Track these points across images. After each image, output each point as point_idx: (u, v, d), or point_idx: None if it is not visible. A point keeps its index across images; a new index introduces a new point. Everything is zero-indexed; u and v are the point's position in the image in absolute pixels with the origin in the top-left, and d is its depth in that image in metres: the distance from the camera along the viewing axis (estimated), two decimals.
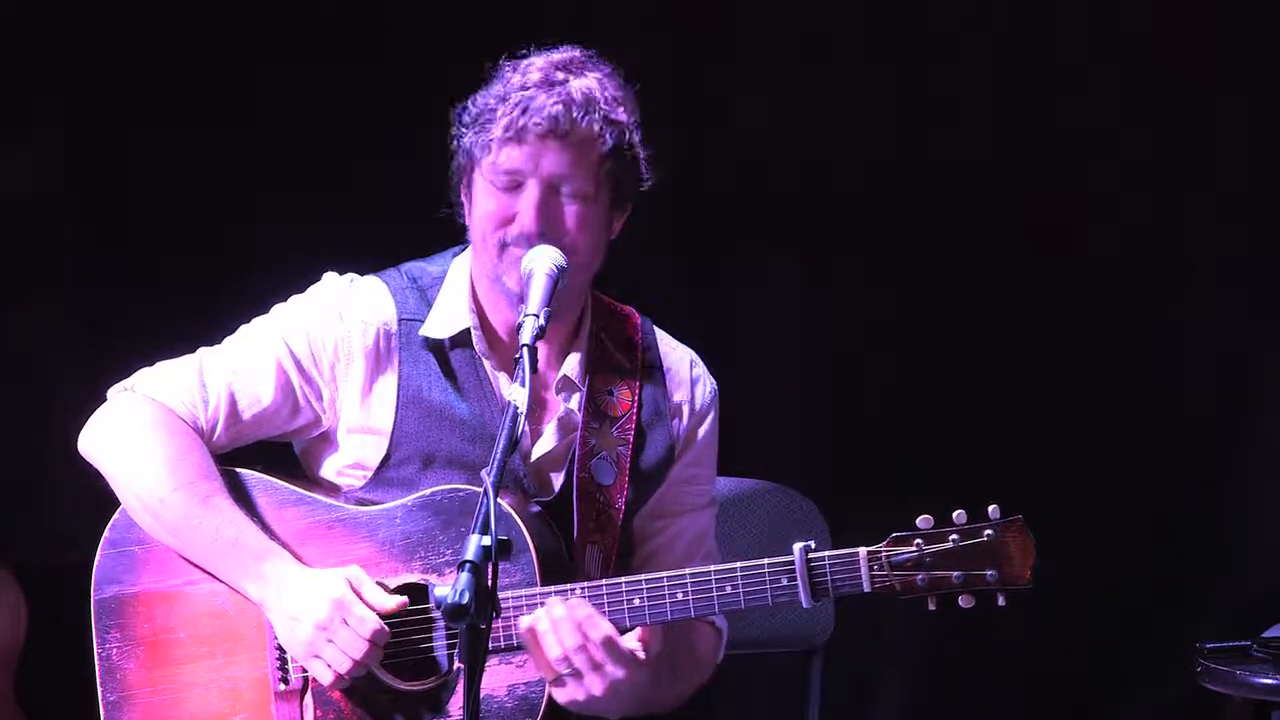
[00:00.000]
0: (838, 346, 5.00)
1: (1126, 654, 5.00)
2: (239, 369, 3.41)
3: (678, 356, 3.55)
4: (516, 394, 3.04)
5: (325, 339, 3.41)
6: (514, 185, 3.30)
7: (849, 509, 4.12)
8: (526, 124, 3.26)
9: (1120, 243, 4.97)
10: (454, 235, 3.51)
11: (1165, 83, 4.92)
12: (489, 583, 2.81)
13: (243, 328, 3.47)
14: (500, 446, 2.97)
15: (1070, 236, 4.97)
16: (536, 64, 3.32)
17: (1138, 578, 4.94)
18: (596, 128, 3.29)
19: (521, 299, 3.24)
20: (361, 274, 3.48)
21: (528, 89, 3.28)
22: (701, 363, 3.57)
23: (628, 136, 3.33)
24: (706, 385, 3.55)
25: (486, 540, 2.81)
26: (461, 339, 3.42)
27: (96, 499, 3.43)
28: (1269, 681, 4.20)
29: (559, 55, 3.35)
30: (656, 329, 3.57)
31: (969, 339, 4.96)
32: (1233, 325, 4.96)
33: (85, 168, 4.86)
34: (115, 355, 3.55)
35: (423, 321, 3.42)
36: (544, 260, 3.26)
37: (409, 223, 3.53)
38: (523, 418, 3.03)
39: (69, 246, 4.86)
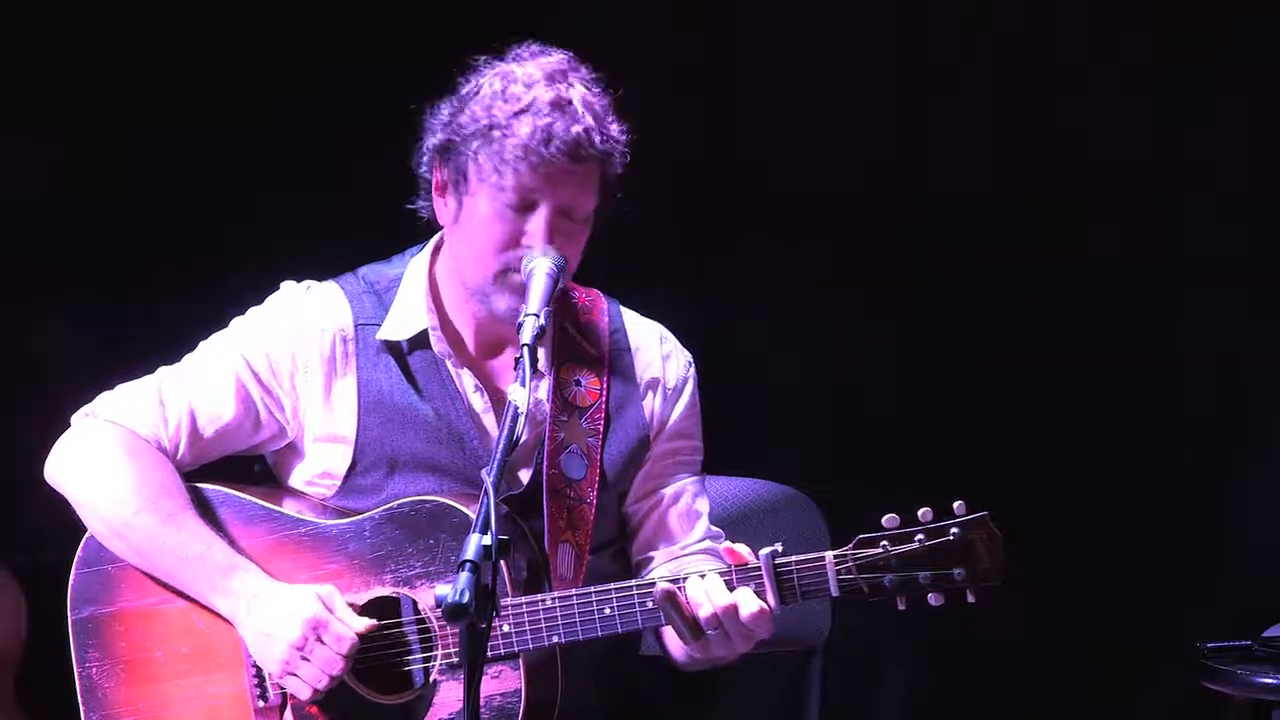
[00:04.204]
0: (838, 346, 5.00)
1: (1126, 654, 4.99)
2: (198, 386, 3.39)
3: (646, 335, 3.50)
4: (517, 394, 3.02)
5: (282, 349, 3.39)
6: (525, 205, 3.27)
7: (849, 509, 4.11)
8: (548, 150, 3.22)
9: (1120, 243, 4.97)
10: (421, 238, 3.50)
11: (1165, 82, 4.92)
12: (489, 582, 2.80)
13: (201, 344, 3.45)
14: (500, 446, 2.95)
15: (1070, 237, 4.97)
16: (539, 77, 3.28)
17: (1138, 578, 4.94)
18: (606, 150, 3.28)
19: (517, 314, 3.21)
20: (321, 280, 3.46)
21: (540, 110, 3.24)
22: (672, 336, 3.53)
23: (625, 154, 3.33)
24: (679, 359, 3.51)
25: (487, 540, 2.80)
26: (420, 340, 3.39)
27: None
28: (1269, 681, 4.21)
29: (553, 64, 3.31)
30: (623, 308, 3.52)
31: (969, 338, 4.96)
32: (1233, 325, 4.96)
33: (85, 168, 4.86)
34: (115, 356, 3.55)
35: (380, 325, 3.40)
36: (545, 260, 3.24)
37: (406, 224, 3.53)
38: (523, 417, 3.01)
39: (69, 247, 4.85)
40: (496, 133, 3.26)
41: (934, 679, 5.06)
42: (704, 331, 3.65)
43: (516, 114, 3.25)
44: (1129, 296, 4.96)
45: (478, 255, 3.31)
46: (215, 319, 3.50)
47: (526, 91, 3.27)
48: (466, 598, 2.75)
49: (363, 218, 4.68)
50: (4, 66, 4.79)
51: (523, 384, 3.04)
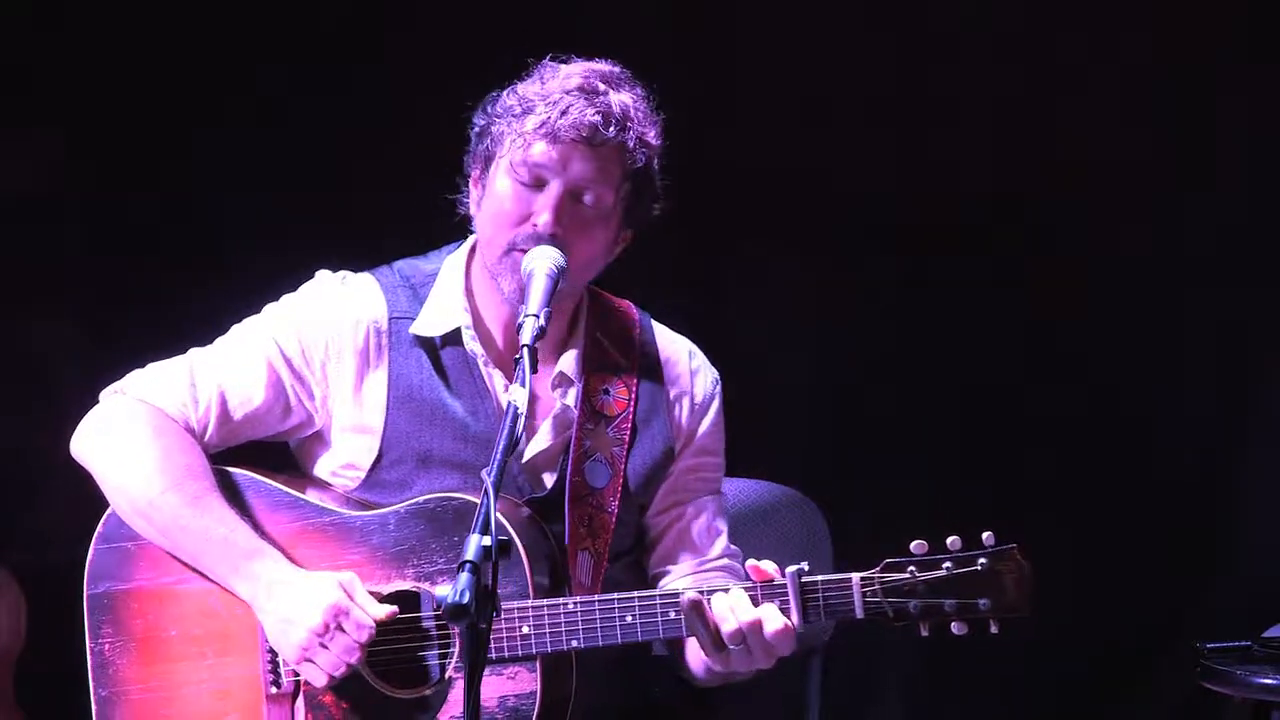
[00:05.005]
0: (838, 346, 5.00)
1: (1126, 654, 4.99)
2: (230, 369, 3.40)
3: (675, 349, 3.54)
4: (517, 394, 3.03)
5: (316, 337, 3.40)
6: (537, 182, 3.30)
7: (850, 509, 4.12)
8: (563, 125, 3.26)
9: (1120, 243, 4.96)
10: (448, 238, 3.50)
11: (1165, 82, 4.92)
12: (490, 583, 2.80)
13: (234, 327, 3.46)
14: (500, 447, 2.96)
15: (1070, 237, 4.97)
16: (578, 71, 3.33)
17: (1137, 578, 4.94)
18: (628, 144, 3.31)
19: (520, 300, 3.24)
20: (355, 272, 3.48)
21: (569, 93, 3.29)
22: (701, 353, 3.56)
23: (653, 161, 3.35)
24: (707, 376, 3.54)
25: (487, 540, 2.80)
26: (453, 337, 3.40)
27: (97, 499, 3.42)
28: (1269, 681, 4.21)
29: (600, 66, 3.36)
30: (654, 322, 3.55)
31: (969, 338, 4.96)
32: (1233, 324, 4.96)
33: (85, 168, 4.86)
34: (115, 355, 3.55)
35: (414, 319, 3.41)
36: (544, 260, 3.25)
37: (407, 223, 3.53)
38: (523, 418, 3.02)
39: (69, 247, 4.85)
40: (519, 109, 3.30)
41: (933, 679, 5.06)
42: (705, 331, 3.65)
43: (546, 96, 3.30)
44: (1129, 296, 4.96)
45: (492, 233, 3.33)
46: (215, 319, 3.50)
47: (564, 82, 3.32)
48: (467, 598, 2.76)
49: (363, 218, 4.70)
50: (4, 66, 4.79)
51: (522, 384, 3.05)
